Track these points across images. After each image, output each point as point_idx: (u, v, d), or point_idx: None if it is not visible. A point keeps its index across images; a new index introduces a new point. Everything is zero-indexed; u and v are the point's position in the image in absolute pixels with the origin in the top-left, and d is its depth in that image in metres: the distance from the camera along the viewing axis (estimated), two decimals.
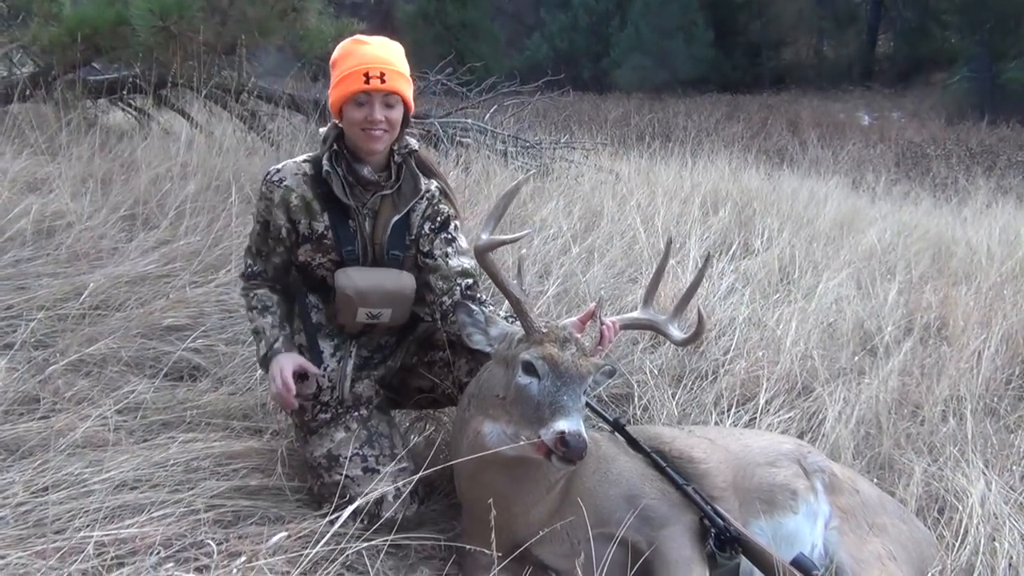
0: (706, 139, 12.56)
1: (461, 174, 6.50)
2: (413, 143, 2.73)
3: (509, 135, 7.96)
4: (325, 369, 2.69)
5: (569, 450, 2.04)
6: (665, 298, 4.43)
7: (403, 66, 2.63)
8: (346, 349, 2.74)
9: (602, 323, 2.48)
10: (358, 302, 2.60)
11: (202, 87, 6.61)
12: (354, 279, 2.60)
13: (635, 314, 2.62)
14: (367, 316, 2.63)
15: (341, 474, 2.59)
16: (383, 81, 2.54)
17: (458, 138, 7.49)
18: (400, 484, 2.57)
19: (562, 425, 2.07)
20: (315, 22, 7.17)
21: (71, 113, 5.97)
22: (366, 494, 2.40)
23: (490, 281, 2.49)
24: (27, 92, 6.62)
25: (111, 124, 7.25)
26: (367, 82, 2.53)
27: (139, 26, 6.21)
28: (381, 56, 2.58)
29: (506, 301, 2.47)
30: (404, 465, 2.67)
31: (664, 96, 23.60)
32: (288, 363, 2.60)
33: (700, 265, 2.55)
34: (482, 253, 2.41)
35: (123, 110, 7.60)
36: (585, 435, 2.07)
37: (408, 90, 2.64)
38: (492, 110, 8.54)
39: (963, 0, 23.47)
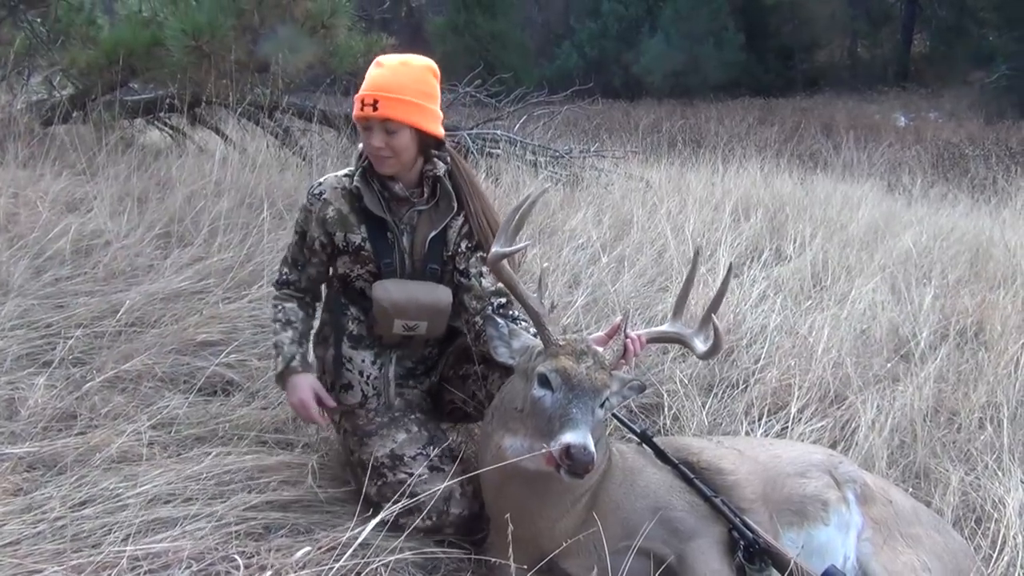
0: (738, 144, 12.46)
1: (491, 185, 6.54)
2: (440, 167, 2.70)
3: (539, 145, 8.00)
4: (368, 378, 2.75)
5: (573, 463, 2.04)
6: (695, 307, 4.41)
7: (411, 90, 2.57)
8: (386, 356, 2.79)
9: (627, 337, 2.45)
10: (394, 314, 2.64)
11: (235, 105, 6.73)
12: (391, 292, 2.64)
13: (663, 327, 2.58)
14: (404, 328, 2.68)
15: (407, 472, 2.58)
16: (375, 109, 2.53)
17: (488, 149, 7.54)
18: (465, 480, 2.59)
19: (568, 438, 2.07)
20: (344, 38, 7.27)
21: (109, 133, 6.11)
22: (410, 487, 2.47)
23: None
24: (66, 114, 6.80)
25: (147, 143, 7.41)
26: (361, 109, 2.55)
27: (173, 47, 6.36)
28: (383, 82, 2.55)
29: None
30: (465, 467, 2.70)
31: (695, 102, 23.43)
32: (306, 386, 2.69)
33: (725, 275, 2.51)
34: (492, 265, 2.42)
35: (159, 129, 7.77)
36: (592, 448, 2.06)
37: (413, 115, 2.57)
38: (522, 120, 8.59)
39: None
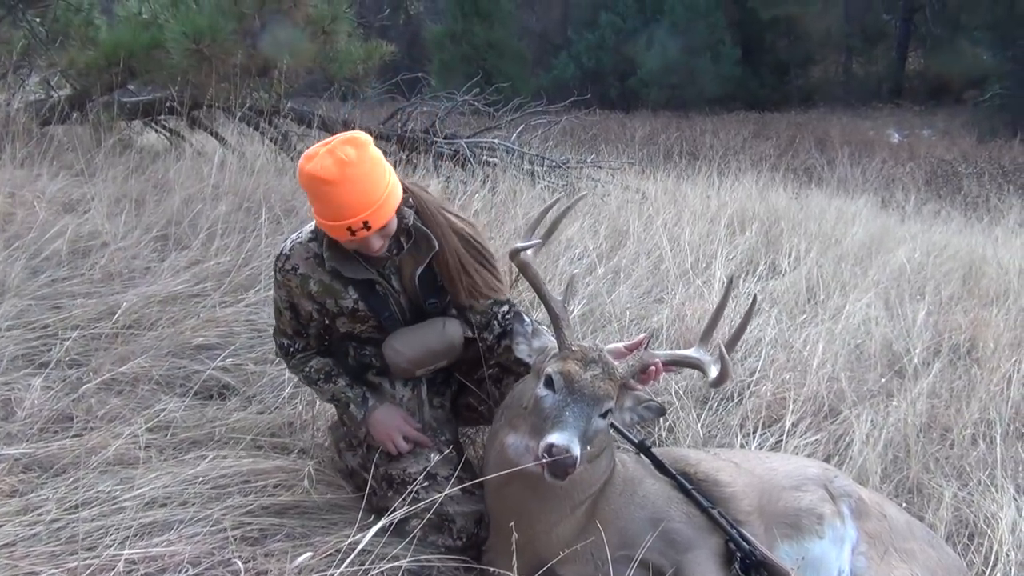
0: (733, 158, 12.54)
1: (488, 194, 6.55)
2: (410, 215, 2.61)
3: (536, 155, 8.02)
4: (402, 400, 2.74)
5: (553, 462, 2.05)
6: (690, 318, 4.43)
7: (380, 184, 2.40)
8: (417, 378, 2.78)
9: (651, 361, 2.40)
10: (412, 368, 2.65)
11: (235, 109, 6.74)
12: (402, 352, 2.61)
13: (687, 352, 2.51)
14: (425, 372, 2.70)
15: (439, 492, 2.47)
16: (369, 229, 2.38)
17: (485, 158, 7.56)
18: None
19: (553, 437, 2.08)
20: (344, 44, 7.29)
21: (107, 135, 6.11)
22: (442, 507, 2.45)
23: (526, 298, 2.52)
24: (65, 114, 6.80)
25: (145, 145, 7.41)
26: (353, 234, 2.38)
27: (173, 49, 6.36)
28: (358, 199, 2.35)
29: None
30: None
31: (691, 114, 23.53)
32: (395, 414, 2.68)
33: (747, 311, 2.49)
34: (513, 260, 2.49)
35: (157, 131, 7.76)
36: (576, 452, 2.06)
37: (394, 203, 2.45)
38: (519, 130, 8.59)
39: (994, 16, 23.22)
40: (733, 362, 4.06)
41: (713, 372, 2.37)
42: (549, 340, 2.46)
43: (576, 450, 2.07)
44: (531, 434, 2.22)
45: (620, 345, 2.52)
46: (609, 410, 2.27)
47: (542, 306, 2.50)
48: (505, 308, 2.73)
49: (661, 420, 3.57)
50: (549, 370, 2.26)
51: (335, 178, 2.31)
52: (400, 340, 2.63)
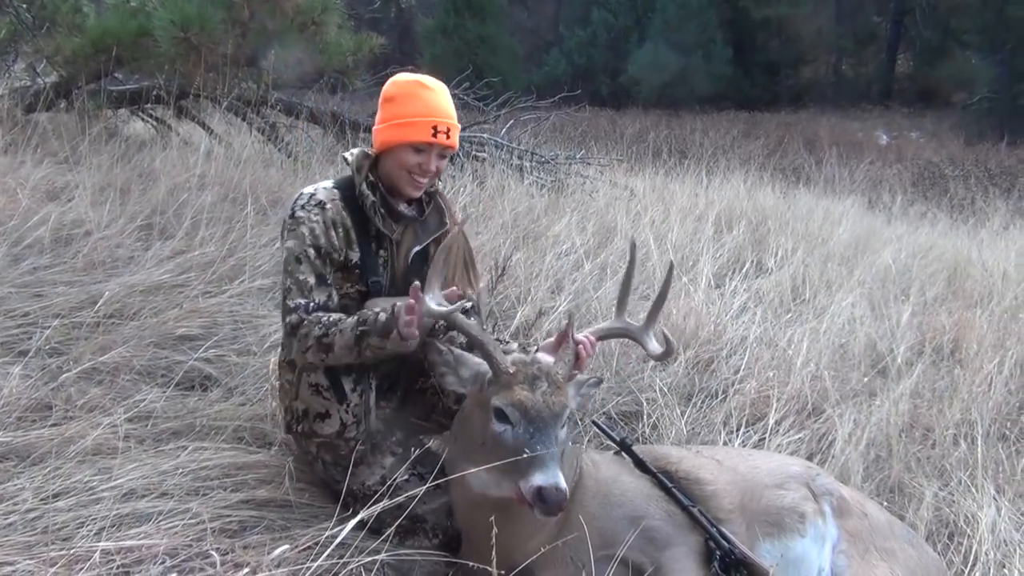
0: (722, 156, 12.57)
1: (476, 188, 6.53)
2: (438, 183, 2.73)
3: (525, 150, 8.01)
4: (348, 406, 2.64)
5: (547, 505, 2.03)
6: (676, 315, 4.44)
7: (455, 113, 2.66)
8: (366, 382, 2.68)
9: (576, 342, 2.41)
10: None
11: (222, 99, 6.69)
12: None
13: (609, 324, 2.57)
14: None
15: (401, 494, 2.36)
16: (449, 137, 2.56)
17: (474, 153, 7.55)
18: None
19: (538, 480, 2.04)
20: (334, 36, 7.26)
21: (93, 123, 6.05)
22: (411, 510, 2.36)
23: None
24: (50, 101, 6.73)
25: (131, 134, 7.35)
26: (435, 135, 2.53)
27: (161, 38, 6.31)
28: (447, 109, 2.59)
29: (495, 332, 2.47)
30: None
31: (681, 113, 23.58)
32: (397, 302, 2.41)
33: (667, 274, 2.57)
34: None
35: (144, 120, 7.70)
36: (564, 486, 2.04)
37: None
38: (509, 125, 8.59)
39: (984, 20, 23.37)
40: (718, 360, 4.11)
41: (652, 344, 2.49)
42: (475, 363, 2.35)
43: (563, 483, 2.04)
44: (502, 471, 2.12)
45: (550, 340, 2.49)
46: (568, 417, 2.24)
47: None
48: (469, 304, 2.70)
49: (645, 417, 3.57)
50: (498, 404, 2.18)
51: (434, 86, 2.63)
52: (387, 304, 2.54)
